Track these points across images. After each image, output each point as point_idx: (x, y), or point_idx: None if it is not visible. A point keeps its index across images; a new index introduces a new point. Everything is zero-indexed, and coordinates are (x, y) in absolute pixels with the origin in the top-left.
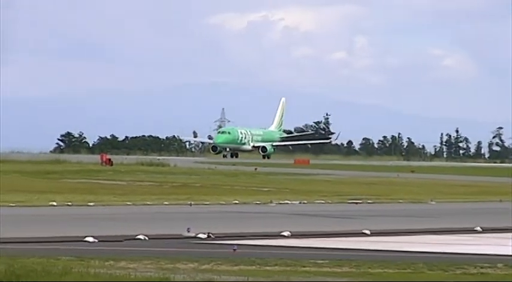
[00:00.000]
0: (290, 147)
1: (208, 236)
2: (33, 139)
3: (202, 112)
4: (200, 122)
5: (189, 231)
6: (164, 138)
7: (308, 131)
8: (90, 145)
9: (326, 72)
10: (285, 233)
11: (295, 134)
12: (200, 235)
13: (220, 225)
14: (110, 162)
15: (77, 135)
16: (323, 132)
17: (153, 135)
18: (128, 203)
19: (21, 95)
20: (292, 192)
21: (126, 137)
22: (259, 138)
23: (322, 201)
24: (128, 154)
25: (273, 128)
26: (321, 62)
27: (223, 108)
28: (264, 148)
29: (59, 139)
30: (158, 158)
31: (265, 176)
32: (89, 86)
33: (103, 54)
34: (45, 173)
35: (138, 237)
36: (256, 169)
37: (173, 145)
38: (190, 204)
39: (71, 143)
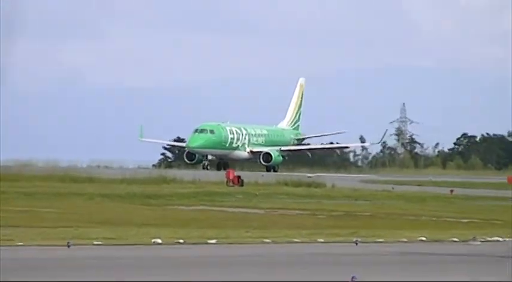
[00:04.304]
0: (308, 154)
1: None
2: (128, 148)
3: (374, 110)
4: (370, 123)
5: (354, 281)
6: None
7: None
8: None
9: None
10: None
11: (313, 135)
12: None
13: (400, 273)
14: (239, 181)
15: None
16: None
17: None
18: (266, 240)
19: (109, 86)
20: (506, 224)
21: None
22: (262, 139)
23: None
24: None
25: (284, 124)
26: None
27: (403, 104)
28: (267, 155)
29: (165, 148)
30: (309, 175)
31: (464, 200)
32: (213, 73)
33: (238, 28)
34: (145, 197)
35: None
36: (452, 191)
37: (331, 157)
38: (356, 243)
39: (182, 153)
